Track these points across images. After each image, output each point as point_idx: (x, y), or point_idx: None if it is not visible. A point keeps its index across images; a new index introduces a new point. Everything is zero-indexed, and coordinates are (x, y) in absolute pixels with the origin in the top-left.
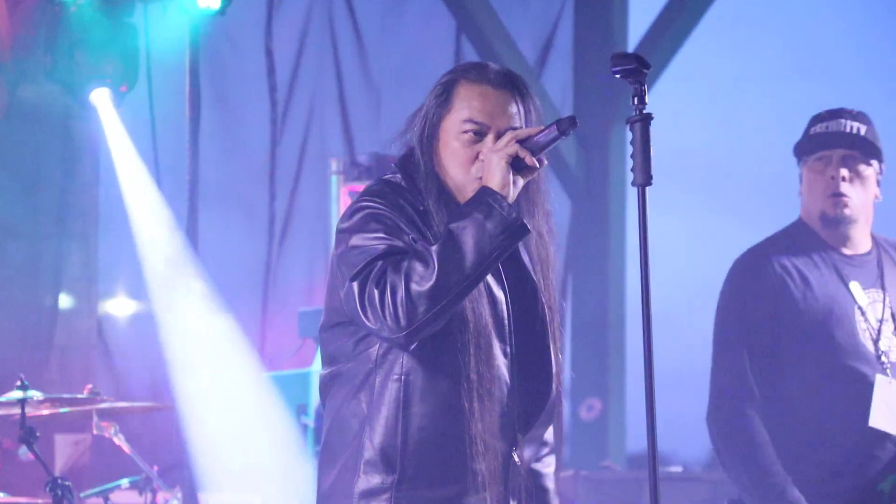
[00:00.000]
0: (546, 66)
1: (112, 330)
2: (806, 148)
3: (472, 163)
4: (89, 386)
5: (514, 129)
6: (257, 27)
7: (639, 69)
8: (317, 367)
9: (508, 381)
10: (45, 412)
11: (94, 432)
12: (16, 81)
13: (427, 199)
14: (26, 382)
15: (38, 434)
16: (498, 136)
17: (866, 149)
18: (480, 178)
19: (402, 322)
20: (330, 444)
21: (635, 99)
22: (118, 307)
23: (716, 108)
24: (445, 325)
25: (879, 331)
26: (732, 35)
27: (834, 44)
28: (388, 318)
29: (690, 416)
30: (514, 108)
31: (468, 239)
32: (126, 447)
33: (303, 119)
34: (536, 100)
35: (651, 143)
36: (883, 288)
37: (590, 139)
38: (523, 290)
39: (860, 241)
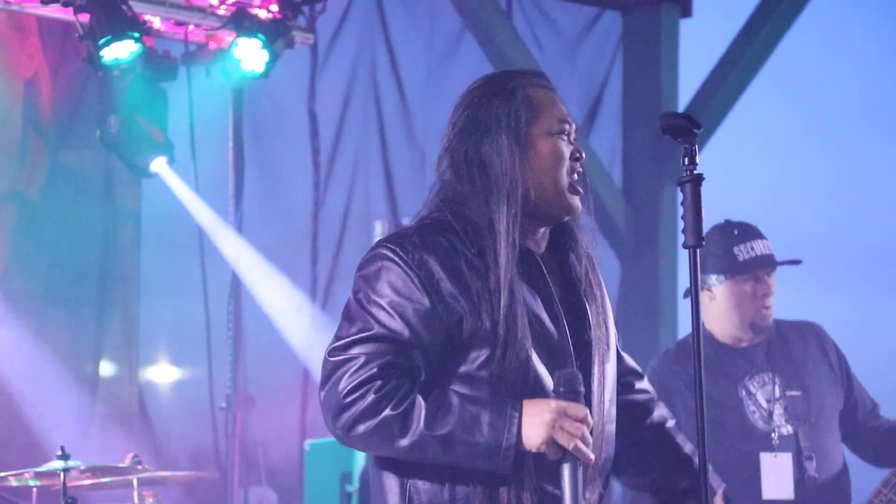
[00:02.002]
0: (594, 125)
1: (153, 397)
2: (738, 269)
3: (572, 158)
4: (130, 454)
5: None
6: (300, 89)
7: (689, 129)
8: None
9: None
10: (87, 482)
11: (136, 501)
12: (57, 146)
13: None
14: (67, 452)
15: None
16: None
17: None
18: (572, 190)
19: (344, 437)
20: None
21: (686, 159)
22: (159, 374)
23: (769, 167)
24: (486, 363)
25: (771, 411)
26: (785, 94)
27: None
28: (337, 421)
29: None
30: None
31: (458, 447)
32: None
33: (346, 181)
34: None
35: (702, 204)
36: (772, 371)
37: (639, 200)
38: (580, 321)
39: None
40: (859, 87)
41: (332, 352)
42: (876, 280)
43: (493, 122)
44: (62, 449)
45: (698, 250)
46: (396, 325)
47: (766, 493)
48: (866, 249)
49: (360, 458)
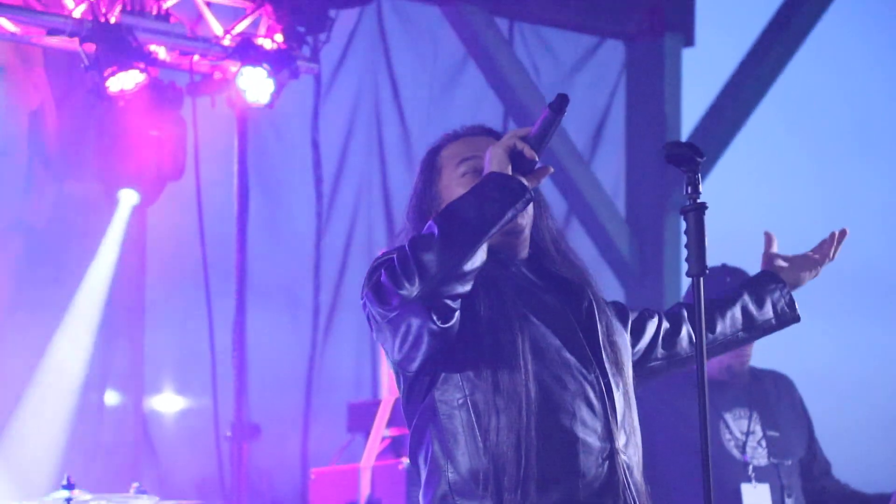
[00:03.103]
0: (597, 153)
1: (158, 427)
2: None
3: None
4: (135, 484)
5: None
6: (304, 119)
7: (692, 158)
8: (366, 464)
9: (592, 379)
10: None
11: None
12: (63, 176)
13: None
14: (72, 482)
15: None
16: None
17: None
18: None
19: (417, 281)
20: (424, 494)
21: (689, 188)
22: (164, 403)
23: (773, 195)
24: (498, 332)
25: (745, 442)
26: (790, 121)
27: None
28: (402, 283)
29: None
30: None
31: (470, 203)
32: None
33: (349, 211)
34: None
35: (706, 233)
36: (749, 406)
37: (643, 229)
38: (576, 299)
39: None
40: (861, 114)
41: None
42: (861, 305)
43: (413, 199)
44: (67, 478)
45: (701, 279)
46: None
47: None
48: (866, 275)
49: (365, 487)
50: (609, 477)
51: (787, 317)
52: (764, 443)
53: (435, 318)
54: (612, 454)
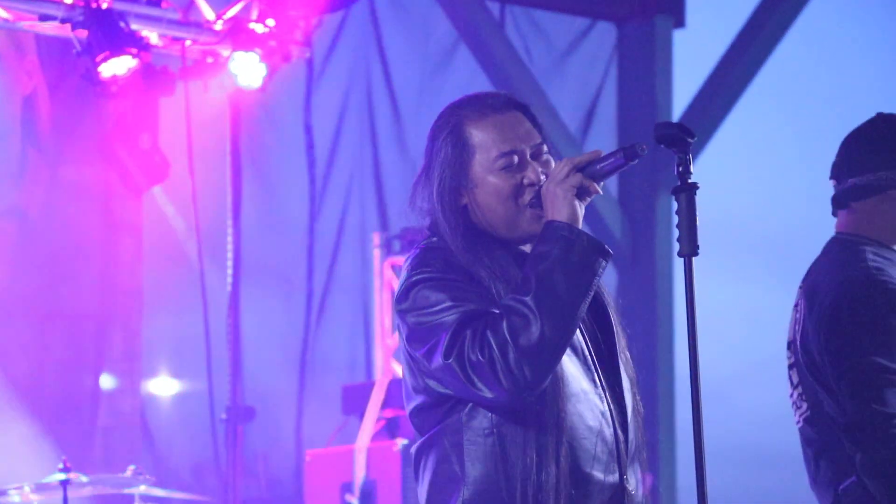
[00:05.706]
0: (588, 134)
1: (154, 410)
2: None
3: (518, 193)
4: (132, 467)
5: (538, 144)
6: (296, 102)
7: (683, 138)
8: (361, 446)
9: (604, 409)
10: (88, 494)
11: None
12: (56, 161)
13: (463, 257)
14: (69, 464)
15: None
16: (533, 156)
17: None
18: (532, 207)
19: (522, 382)
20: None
21: (680, 168)
22: (160, 387)
23: (763, 176)
24: None
25: None
26: (780, 102)
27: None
28: (504, 381)
29: (740, 490)
30: (528, 125)
31: (559, 278)
32: None
33: (342, 194)
34: (532, 110)
35: (697, 213)
36: None
37: (635, 209)
38: (595, 321)
39: None
40: (850, 95)
41: (447, 356)
42: None
43: (438, 168)
44: (64, 462)
45: (693, 259)
46: (465, 306)
47: None
48: None
49: (360, 468)
50: None
51: None
52: None
53: (525, 401)
54: (621, 494)
